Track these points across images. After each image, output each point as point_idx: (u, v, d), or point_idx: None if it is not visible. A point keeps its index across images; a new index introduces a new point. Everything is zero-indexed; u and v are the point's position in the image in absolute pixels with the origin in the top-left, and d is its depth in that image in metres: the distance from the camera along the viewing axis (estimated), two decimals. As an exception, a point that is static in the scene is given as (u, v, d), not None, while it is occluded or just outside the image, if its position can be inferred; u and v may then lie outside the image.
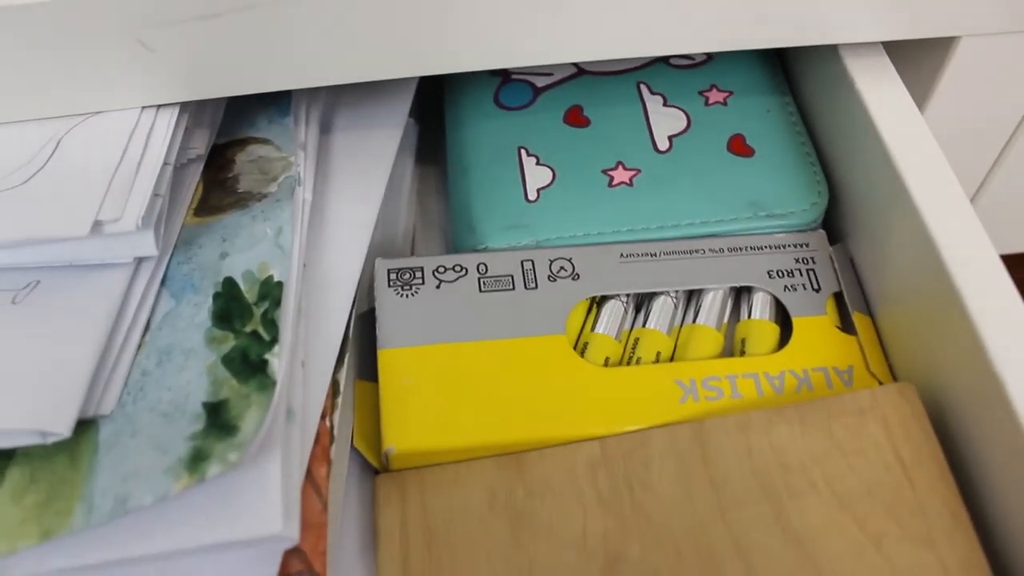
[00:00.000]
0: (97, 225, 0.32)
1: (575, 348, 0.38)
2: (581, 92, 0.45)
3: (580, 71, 0.46)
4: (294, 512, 0.28)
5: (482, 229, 0.40)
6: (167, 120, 0.37)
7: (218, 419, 0.29)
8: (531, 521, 0.33)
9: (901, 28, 0.39)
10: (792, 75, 0.47)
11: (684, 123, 0.44)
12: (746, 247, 0.40)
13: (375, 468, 0.35)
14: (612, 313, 0.39)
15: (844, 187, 0.41)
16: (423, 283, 0.38)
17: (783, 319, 0.39)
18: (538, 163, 0.42)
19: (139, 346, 0.32)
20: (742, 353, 0.38)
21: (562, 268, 0.39)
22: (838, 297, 0.39)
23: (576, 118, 0.44)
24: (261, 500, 0.28)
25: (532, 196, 0.41)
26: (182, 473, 0.28)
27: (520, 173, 0.42)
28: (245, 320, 0.32)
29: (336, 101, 0.45)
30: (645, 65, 0.47)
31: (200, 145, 0.39)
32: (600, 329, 0.38)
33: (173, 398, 0.30)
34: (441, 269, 0.39)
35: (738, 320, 0.39)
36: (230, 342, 0.32)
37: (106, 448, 0.29)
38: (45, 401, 0.29)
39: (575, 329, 0.39)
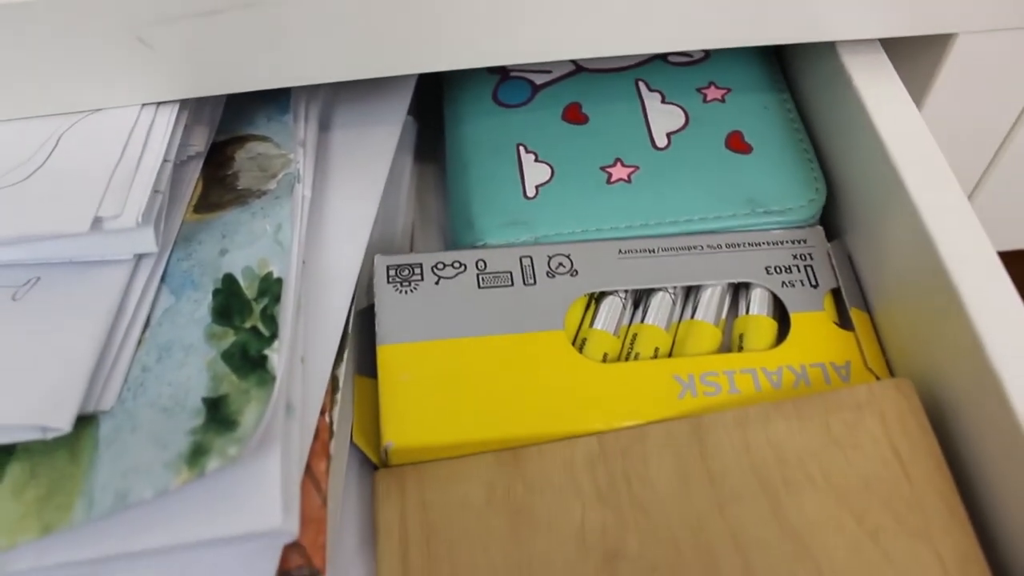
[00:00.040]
0: (97, 221, 0.33)
1: (573, 344, 0.38)
2: (579, 89, 0.45)
3: (578, 68, 0.47)
4: (294, 506, 0.29)
5: (481, 226, 0.41)
6: (167, 117, 0.37)
7: (218, 414, 0.29)
8: (530, 516, 0.33)
9: (898, 25, 0.39)
10: (790, 72, 0.47)
11: (682, 120, 0.44)
12: (744, 243, 0.40)
13: (374, 464, 0.36)
14: (610, 309, 0.39)
15: (842, 184, 0.41)
16: (422, 279, 0.38)
17: (781, 315, 0.39)
18: (537, 160, 0.43)
19: (139, 342, 0.32)
20: (740, 349, 0.38)
21: (560, 264, 0.39)
22: (836, 293, 0.39)
23: (575, 115, 0.44)
24: (261, 494, 0.28)
25: (531, 193, 0.41)
26: (182, 467, 0.28)
27: (519, 170, 0.42)
28: (245, 316, 0.33)
29: (335, 99, 0.45)
30: (643, 62, 0.47)
31: (200, 142, 0.39)
32: (598, 325, 0.38)
33: (173, 393, 0.30)
34: (440, 265, 0.39)
35: (736, 316, 0.39)
36: (230, 338, 0.32)
37: (106, 443, 0.29)
38: (45, 397, 0.29)
39: (573, 325, 0.39)
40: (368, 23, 0.35)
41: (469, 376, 0.36)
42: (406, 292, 0.38)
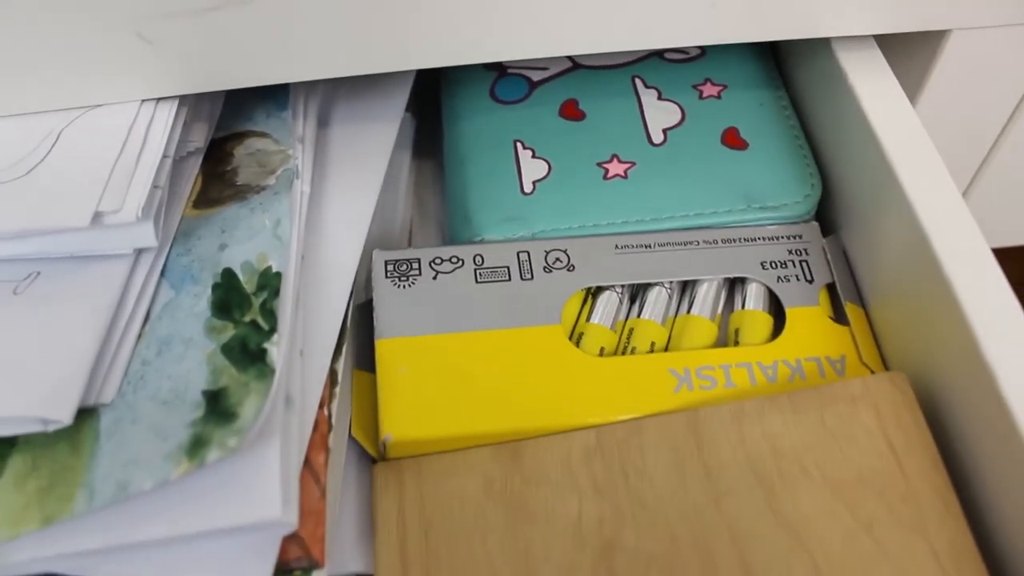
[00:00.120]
0: (97, 216, 0.33)
1: (570, 338, 0.38)
2: (576, 86, 0.46)
3: (575, 65, 0.47)
4: (293, 498, 0.29)
5: (478, 221, 0.41)
6: (166, 113, 0.37)
7: (218, 406, 0.30)
8: (527, 508, 0.33)
9: (893, 21, 0.39)
10: (785, 69, 0.47)
11: (678, 116, 0.44)
12: (740, 238, 0.40)
13: (373, 457, 0.36)
14: (607, 304, 0.39)
15: (837, 180, 0.41)
16: (420, 274, 0.38)
17: (776, 310, 0.39)
18: (534, 156, 0.43)
19: (139, 336, 0.33)
20: (736, 343, 0.38)
21: (557, 259, 0.39)
22: (831, 288, 0.39)
23: (571, 112, 0.45)
24: (260, 486, 0.28)
25: (528, 189, 0.42)
26: (182, 458, 0.28)
27: (516, 166, 0.42)
28: (244, 310, 0.33)
29: (334, 95, 0.45)
30: (640, 59, 0.47)
31: (199, 138, 0.39)
32: (595, 319, 0.38)
33: (173, 386, 0.31)
34: (438, 260, 0.39)
35: (732, 311, 0.39)
36: (229, 331, 0.32)
37: (107, 435, 0.29)
38: (46, 389, 0.30)
39: (570, 319, 0.39)
40: (366, 20, 0.36)
41: (467, 370, 0.36)
42: (404, 287, 0.38)
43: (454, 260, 0.39)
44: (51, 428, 0.29)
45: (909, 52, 0.43)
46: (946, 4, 0.38)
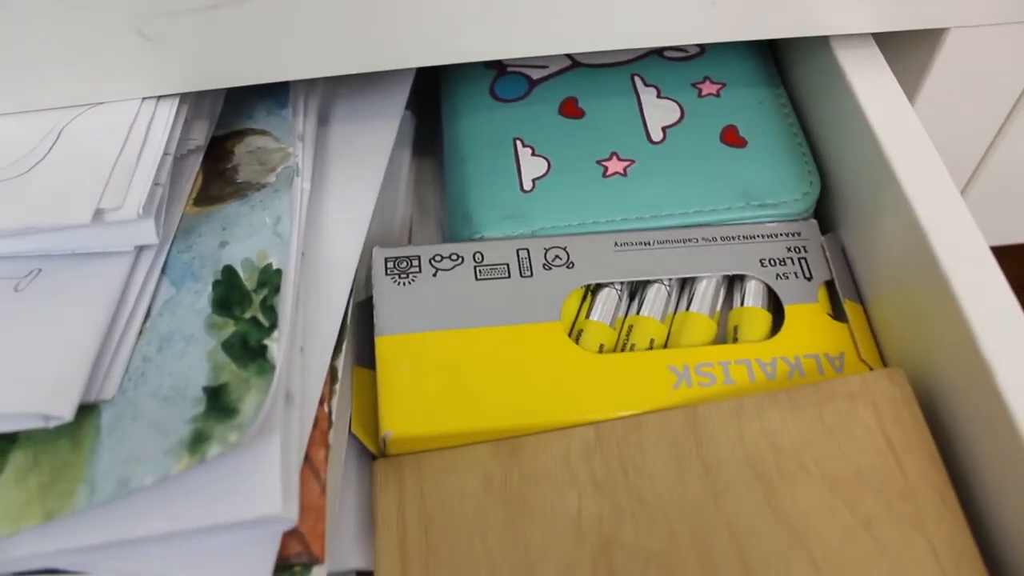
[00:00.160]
0: (99, 213, 0.33)
1: (570, 335, 0.38)
2: (576, 84, 0.46)
3: (575, 63, 0.47)
4: (293, 494, 0.29)
5: (478, 219, 0.41)
6: (167, 111, 0.37)
7: (218, 402, 0.30)
8: (527, 505, 0.33)
9: (891, 20, 0.39)
10: (784, 67, 0.47)
11: (677, 114, 0.44)
12: (739, 236, 0.40)
13: (373, 454, 0.36)
14: (606, 301, 0.39)
15: (836, 177, 0.41)
16: (420, 272, 0.39)
17: (775, 307, 0.39)
18: (533, 154, 0.43)
19: (140, 332, 0.33)
20: (735, 340, 0.38)
21: (557, 257, 0.39)
22: (829, 285, 0.40)
23: (571, 110, 0.45)
24: (261, 481, 0.28)
25: (527, 186, 0.42)
26: (183, 454, 0.28)
27: (516, 164, 0.43)
28: (244, 307, 0.33)
29: (334, 93, 0.45)
30: (639, 57, 0.47)
31: (199, 136, 0.39)
32: (595, 316, 0.39)
33: (174, 383, 0.31)
34: (438, 258, 0.39)
35: (731, 308, 0.39)
36: (230, 328, 0.32)
37: (108, 431, 0.29)
38: (47, 386, 0.30)
39: (570, 316, 0.39)
40: (366, 18, 0.36)
41: (466, 367, 0.36)
42: (404, 284, 0.38)
43: (454, 257, 0.39)
44: (52, 424, 0.29)
45: (907, 50, 0.43)
46: (944, 2, 0.38)
